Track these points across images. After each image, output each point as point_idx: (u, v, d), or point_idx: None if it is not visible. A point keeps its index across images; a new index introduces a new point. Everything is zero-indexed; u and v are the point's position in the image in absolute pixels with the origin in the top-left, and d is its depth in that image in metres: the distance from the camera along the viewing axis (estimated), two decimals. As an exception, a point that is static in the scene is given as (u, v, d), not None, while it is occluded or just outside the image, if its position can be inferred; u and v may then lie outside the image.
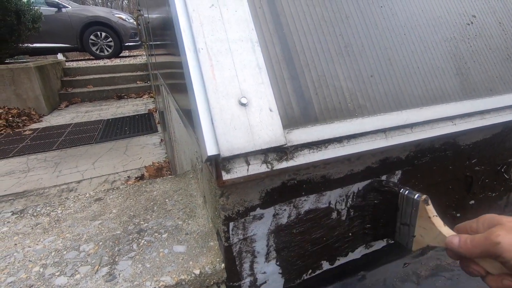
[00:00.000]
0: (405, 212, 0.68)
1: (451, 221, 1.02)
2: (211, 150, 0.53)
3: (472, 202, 1.08)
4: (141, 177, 3.09)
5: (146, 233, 0.87)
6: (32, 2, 5.84)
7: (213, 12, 0.60)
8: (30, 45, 6.27)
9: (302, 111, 0.62)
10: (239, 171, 0.57)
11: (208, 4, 0.60)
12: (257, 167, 0.58)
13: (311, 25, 0.68)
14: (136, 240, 0.84)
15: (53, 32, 7.34)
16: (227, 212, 0.68)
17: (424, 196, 0.64)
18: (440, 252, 1.04)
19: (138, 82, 7.15)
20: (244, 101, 0.57)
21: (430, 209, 0.62)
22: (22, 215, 1.00)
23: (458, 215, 1.07)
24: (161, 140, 4.12)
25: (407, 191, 0.68)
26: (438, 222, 0.60)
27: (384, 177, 0.83)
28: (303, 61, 0.65)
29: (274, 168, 0.59)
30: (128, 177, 3.13)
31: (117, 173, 3.23)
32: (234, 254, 0.73)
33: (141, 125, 4.77)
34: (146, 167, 3.24)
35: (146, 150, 3.84)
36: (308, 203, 0.76)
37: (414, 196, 0.65)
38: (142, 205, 1.02)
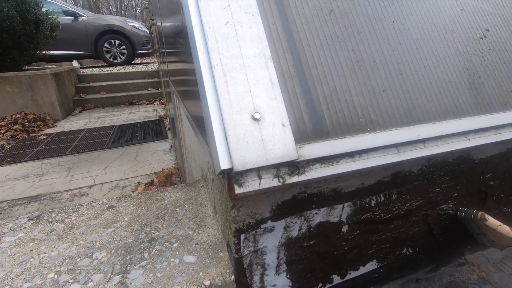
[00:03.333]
0: (472, 227, 0.69)
1: (464, 237, 1.00)
2: (224, 164, 0.55)
3: (486, 217, 1.05)
4: (150, 183, 3.12)
5: (157, 242, 0.88)
6: (51, 11, 6.07)
7: (228, 29, 0.62)
8: (47, 52, 6.49)
9: (314, 126, 0.63)
10: (251, 185, 0.57)
11: (223, 22, 0.62)
12: (269, 181, 0.59)
13: (323, 41, 0.69)
14: (147, 249, 0.85)
15: (69, 40, 7.60)
16: (238, 224, 0.68)
17: (479, 214, 0.64)
18: (453, 268, 1.01)
19: (149, 89, 7.29)
20: (257, 116, 0.58)
21: (491, 223, 0.63)
22: (38, 221, 1.02)
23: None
24: (171, 146, 4.17)
25: (463, 213, 0.70)
26: (505, 230, 0.61)
27: (394, 192, 0.82)
28: (315, 76, 0.66)
29: (286, 183, 0.59)
30: (138, 183, 3.17)
31: (128, 178, 3.28)
32: (244, 266, 0.73)
33: (151, 131, 4.84)
34: (156, 173, 3.28)
35: (156, 156, 3.89)
36: (319, 216, 0.76)
37: (471, 216, 0.67)
38: (153, 214, 1.03)
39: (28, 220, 1.03)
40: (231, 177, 0.57)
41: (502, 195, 1.03)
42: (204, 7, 0.62)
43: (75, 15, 7.70)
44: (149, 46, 8.41)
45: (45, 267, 0.80)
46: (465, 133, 0.75)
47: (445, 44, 0.82)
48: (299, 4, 0.71)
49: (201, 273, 0.77)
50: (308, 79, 0.66)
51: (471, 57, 0.83)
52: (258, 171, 0.57)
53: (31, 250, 0.87)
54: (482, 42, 0.87)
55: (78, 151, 4.08)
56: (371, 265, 0.91)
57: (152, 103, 7.00)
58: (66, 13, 7.56)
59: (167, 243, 0.87)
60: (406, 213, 0.87)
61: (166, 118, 5.46)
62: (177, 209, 1.06)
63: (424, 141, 0.71)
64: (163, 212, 1.04)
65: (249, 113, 0.57)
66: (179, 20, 1.00)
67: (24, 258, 0.84)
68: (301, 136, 0.61)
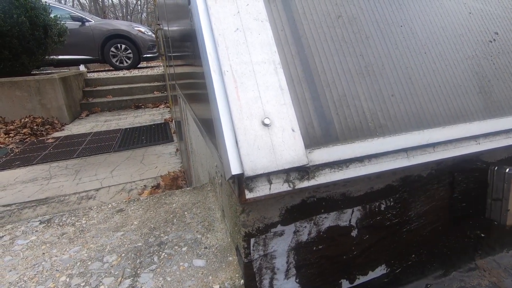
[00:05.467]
0: (497, 187, 0.68)
1: (475, 242, 0.99)
2: (235, 169, 0.55)
3: (497, 222, 1.04)
4: (157, 186, 3.14)
5: (166, 246, 0.89)
6: (59, 17, 6.18)
7: (238, 36, 0.63)
8: (55, 57, 6.60)
9: (324, 131, 0.63)
10: (261, 190, 0.58)
11: (233, 28, 0.63)
12: (279, 186, 0.59)
13: (331, 46, 0.70)
14: (157, 253, 0.86)
15: (76, 44, 7.72)
16: (247, 229, 0.69)
17: None
18: (464, 274, 1.00)
19: (155, 92, 7.36)
20: (267, 121, 0.58)
21: None
22: (49, 224, 1.04)
23: (483, 235, 1.03)
24: (177, 149, 4.20)
25: (496, 167, 0.68)
26: None
27: (404, 196, 0.82)
28: (324, 81, 0.67)
29: (296, 188, 0.59)
30: (145, 186, 3.20)
31: (134, 181, 3.30)
32: (254, 270, 0.73)
33: (157, 134, 4.88)
34: (162, 176, 3.30)
35: (162, 159, 3.92)
36: (328, 220, 0.76)
37: (506, 170, 0.65)
38: (162, 217, 1.04)
39: (40, 223, 1.05)
40: (241, 182, 0.58)
41: (513, 199, 1.02)
42: (214, 14, 0.63)
43: (82, 20, 7.83)
44: (155, 50, 8.51)
45: (57, 270, 0.81)
46: (475, 137, 0.74)
47: (454, 48, 0.82)
48: (307, 10, 0.72)
49: (210, 277, 0.77)
50: (317, 84, 0.66)
51: (480, 61, 0.83)
52: (268, 176, 0.58)
53: (43, 253, 0.88)
54: (491, 45, 0.87)
55: (85, 154, 4.13)
56: (380, 270, 0.91)
57: (157, 107, 7.06)
58: (74, 18, 7.70)
59: (176, 247, 0.88)
60: (415, 217, 0.87)
61: (172, 121, 5.50)
62: (185, 212, 1.07)
63: (433, 145, 0.70)
64: (171, 215, 1.05)
65: (259, 119, 0.58)
66: (187, 25, 1.01)
67: (36, 261, 0.85)
68: (311, 141, 0.62)
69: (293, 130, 0.59)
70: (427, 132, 0.70)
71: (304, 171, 0.60)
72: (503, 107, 0.80)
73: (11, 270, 0.82)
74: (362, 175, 0.64)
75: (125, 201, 1.18)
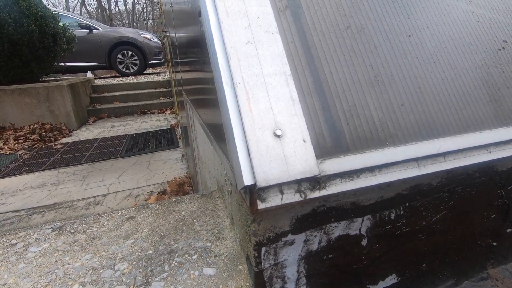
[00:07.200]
0: None
1: (486, 251, 0.98)
2: (247, 180, 0.56)
3: (509, 230, 1.03)
4: (163, 192, 3.16)
5: (176, 254, 0.89)
6: (67, 25, 6.31)
7: (249, 48, 0.64)
8: (64, 64, 6.73)
9: (334, 142, 0.64)
10: (273, 200, 0.59)
11: (245, 41, 0.64)
12: (291, 196, 0.60)
13: (341, 57, 0.71)
14: (167, 261, 0.87)
15: (84, 52, 7.87)
16: (258, 238, 0.69)
17: None
18: (475, 283, 0.99)
19: (160, 98, 7.44)
20: (279, 132, 0.59)
21: None
22: (60, 231, 1.06)
23: (495, 243, 1.02)
24: (183, 155, 4.22)
25: None
26: None
27: (414, 204, 0.82)
28: (334, 92, 0.68)
29: (307, 198, 0.60)
30: (151, 191, 3.21)
31: (141, 187, 3.33)
32: (265, 279, 0.74)
33: (163, 140, 4.92)
34: (168, 182, 3.32)
35: (168, 165, 3.94)
36: (338, 229, 0.76)
37: None
38: (171, 225, 1.05)
39: (52, 230, 1.06)
40: (253, 192, 0.58)
41: (524, 207, 1.01)
42: (226, 27, 0.64)
43: (90, 28, 7.98)
44: (161, 57, 8.61)
45: (70, 278, 0.82)
46: (486, 146, 0.74)
47: (463, 56, 0.82)
48: (316, 21, 0.73)
49: (221, 286, 0.77)
50: (327, 95, 0.67)
51: (489, 69, 0.83)
52: (280, 187, 0.59)
53: (56, 261, 0.89)
54: (501, 53, 0.87)
55: (92, 160, 4.17)
56: (391, 279, 0.90)
57: (163, 112, 7.12)
58: (82, 26, 7.85)
59: (186, 255, 0.89)
60: (426, 226, 0.86)
61: (178, 127, 5.55)
62: (195, 220, 1.07)
63: (444, 154, 0.70)
64: (181, 223, 1.06)
65: (271, 130, 0.59)
66: (196, 32, 1.03)
67: (49, 268, 0.86)
68: (322, 152, 0.62)
69: (304, 141, 0.60)
70: (438, 142, 0.70)
71: (316, 181, 0.61)
72: (513, 115, 0.80)
73: (25, 278, 0.83)
74: (372, 185, 0.64)
75: (135, 208, 1.19)
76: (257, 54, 0.64)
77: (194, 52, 1.18)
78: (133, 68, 8.74)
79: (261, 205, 0.57)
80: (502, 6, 0.95)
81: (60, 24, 5.94)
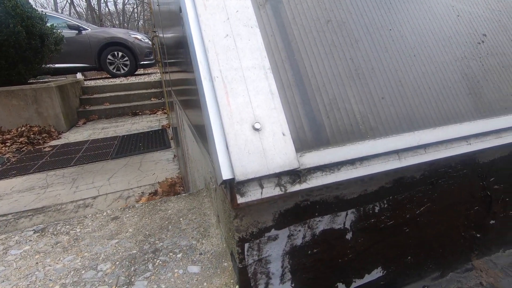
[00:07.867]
0: None
1: (470, 243, 0.99)
2: (226, 175, 0.55)
3: (492, 221, 1.04)
4: (154, 193, 3.13)
5: (161, 253, 0.88)
6: (55, 26, 6.20)
7: (228, 42, 0.63)
8: (52, 65, 6.61)
9: (314, 135, 0.64)
10: (253, 194, 0.58)
11: (223, 35, 0.64)
12: (271, 190, 0.59)
13: (321, 50, 0.71)
14: (151, 260, 0.85)
15: (73, 53, 7.74)
16: (241, 234, 0.68)
17: None
18: (460, 275, 1.00)
19: (152, 99, 7.37)
20: (257, 126, 0.59)
21: None
22: (43, 233, 1.03)
23: (478, 235, 1.03)
24: (174, 156, 4.19)
25: None
26: None
27: (398, 198, 0.82)
28: (315, 85, 0.67)
29: (288, 191, 0.60)
30: (142, 193, 3.18)
31: (132, 189, 3.29)
32: (249, 275, 0.73)
33: (154, 141, 4.88)
34: (159, 183, 3.29)
35: (160, 165, 3.90)
36: (322, 223, 0.76)
37: None
38: (157, 224, 1.03)
39: (34, 232, 1.04)
40: (233, 186, 0.58)
41: (507, 199, 1.03)
42: (204, 21, 0.63)
43: (79, 29, 7.86)
44: (152, 57, 8.54)
45: (50, 279, 0.81)
46: (466, 138, 0.75)
47: (443, 50, 0.83)
48: (296, 15, 0.73)
49: (205, 284, 0.76)
50: (307, 88, 0.67)
51: (469, 62, 0.84)
52: (259, 180, 0.58)
53: (37, 263, 0.87)
54: (480, 47, 0.88)
55: (82, 162, 4.11)
56: (377, 273, 0.90)
57: (155, 113, 7.06)
58: (70, 27, 7.73)
59: (171, 254, 0.88)
60: (410, 218, 0.87)
61: (169, 127, 5.50)
62: (181, 219, 1.06)
63: (425, 146, 0.71)
64: (166, 222, 1.05)
65: (249, 123, 0.58)
66: (180, 31, 1.02)
67: (29, 271, 0.84)
68: (302, 145, 0.62)
69: (283, 134, 0.60)
70: (418, 134, 0.70)
71: (296, 174, 0.60)
72: (493, 107, 0.81)
73: (3, 281, 0.81)
74: (354, 177, 0.64)
75: (121, 208, 1.17)
76: (236, 48, 0.63)
77: (180, 52, 1.16)
78: (123, 69, 8.64)
79: (240, 200, 0.57)
80: (481, 1, 0.96)
81: (48, 24, 5.84)
